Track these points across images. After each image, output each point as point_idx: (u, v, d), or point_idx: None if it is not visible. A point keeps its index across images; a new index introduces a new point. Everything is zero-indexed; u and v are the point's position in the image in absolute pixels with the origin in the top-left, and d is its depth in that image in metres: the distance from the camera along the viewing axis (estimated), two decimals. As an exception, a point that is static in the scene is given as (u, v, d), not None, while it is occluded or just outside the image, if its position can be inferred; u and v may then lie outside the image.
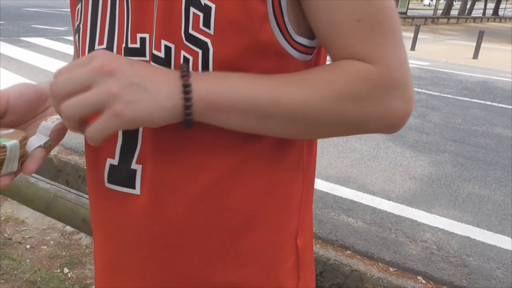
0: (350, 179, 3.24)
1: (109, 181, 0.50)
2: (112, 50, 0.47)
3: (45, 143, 0.45)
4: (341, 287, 2.10)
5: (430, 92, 6.61)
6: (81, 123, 0.40)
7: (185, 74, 0.41)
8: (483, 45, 11.70)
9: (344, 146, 3.91)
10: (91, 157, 0.53)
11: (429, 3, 61.15)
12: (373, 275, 2.10)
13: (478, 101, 6.35)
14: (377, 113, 0.43)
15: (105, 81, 0.38)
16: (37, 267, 2.10)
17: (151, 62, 0.45)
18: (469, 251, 2.42)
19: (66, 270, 2.11)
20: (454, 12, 33.94)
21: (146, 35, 0.45)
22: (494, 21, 33.95)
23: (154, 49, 0.45)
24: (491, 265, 2.30)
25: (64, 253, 2.24)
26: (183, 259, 0.50)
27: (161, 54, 0.45)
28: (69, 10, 0.55)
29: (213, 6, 0.42)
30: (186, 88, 0.40)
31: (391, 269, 2.20)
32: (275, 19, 0.43)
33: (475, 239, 2.54)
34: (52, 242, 2.33)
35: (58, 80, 0.40)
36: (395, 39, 0.44)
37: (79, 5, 0.51)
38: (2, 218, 2.49)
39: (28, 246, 2.27)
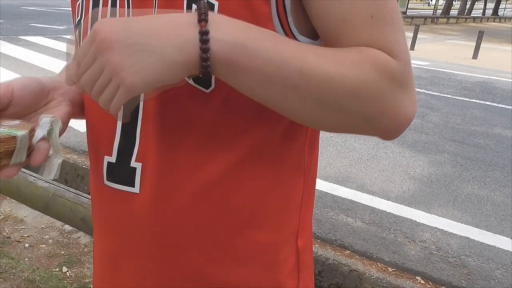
0: (349, 179, 3.24)
1: (108, 179, 0.50)
2: None
3: (48, 132, 0.45)
4: (340, 287, 2.10)
5: (430, 92, 6.61)
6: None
7: (202, 18, 0.37)
8: (482, 45, 11.71)
9: (343, 146, 3.91)
10: (92, 154, 0.53)
11: (429, 3, 61.21)
12: (371, 275, 2.10)
13: (477, 101, 6.35)
14: (393, 107, 0.42)
15: (102, 52, 0.37)
16: (35, 266, 2.09)
17: None
18: (468, 252, 2.42)
19: (64, 269, 2.11)
20: (453, 12, 33.95)
21: None
22: (493, 21, 33.97)
23: None
24: (490, 266, 2.30)
25: (62, 252, 2.24)
26: (183, 258, 0.50)
27: None
28: (68, 9, 0.55)
29: (216, 3, 0.42)
30: (203, 37, 0.37)
31: (390, 269, 2.20)
32: (279, 19, 0.43)
33: (474, 240, 2.54)
34: (50, 241, 2.33)
35: (68, 66, 0.41)
36: (404, 38, 0.44)
37: (80, 0, 0.51)
38: (1, 217, 2.48)
39: (26, 245, 2.27)
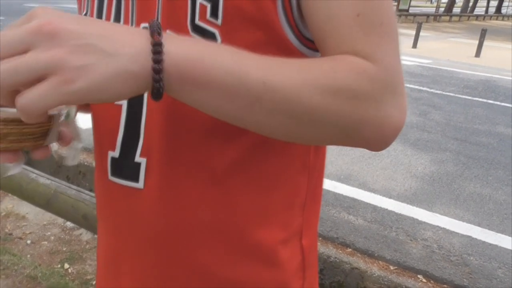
0: (351, 177, 3.23)
1: (112, 174, 0.50)
2: None
3: (66, 116, 0.44)
4: (341, 285, 2.10)
5: (432, 90, 6.59)
6: (11, 95, 0.32)
7: (155, 31, 0.34)
8: (485, 43, 11.67)
9: (345, 144, 3.91)
10: (96, 149, 0.53)
11: (431, 1, 61.04)
12: (373, 273, 2.09)
13: (480, 99, 6.33)
14: (373, 117, 0.39)
15: (46, 44, 0.31)
16: (37, 263, 2.10)
17: None
18: (470, 250, 2.41)
19: (66, 265, 2.11)
20: (456, 10, 33.84)
21: None
22: (496, 19, 33.84)
23: None
24: (492, 265, 2.30)
25: (64, 249, 2.24)
26: (187, 255, 0.49)
27: None
28: (69, 6, 0.54)
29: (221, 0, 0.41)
30: (156, 47, 0.33)
31: (392, 268, 2.20)
32: (284, 13, 0.42)
33: (476, 238, 2.54)
34: (52, 237, 2.33)
35: None
36: (395, 44, 0.42)
37: None
38: (2, 214, 2.49)
39: (28, 242, 2.28)
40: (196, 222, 0.48)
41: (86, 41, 0.31)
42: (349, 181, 3.16)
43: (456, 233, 2.59)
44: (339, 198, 2.88)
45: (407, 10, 23.25)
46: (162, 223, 0.49)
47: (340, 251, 2.27)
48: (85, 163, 2.96)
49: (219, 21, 0.42)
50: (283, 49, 0.43)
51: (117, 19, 0.47)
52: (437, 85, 7.03)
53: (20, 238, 2.30)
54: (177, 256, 0.50)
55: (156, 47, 0.33)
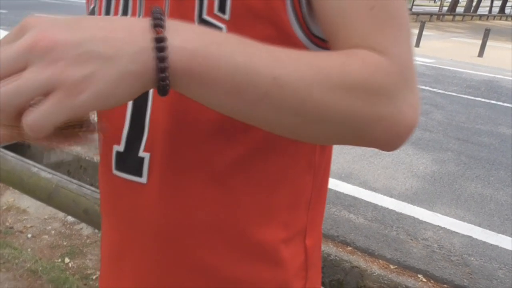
0: (352, 175, 3.23)
1: (116, 168, 0.50)
2: None
3: None
4: (341, 283, 2.10)
5: (434, 89, 6.58)
6: (17, 115, 0.31)
7: (158, 23, 0.32)
8: (488, 43, 11.63)
9: (347, 142, 3.90)
10: (101, 143, 0.53)
11: (435, 0, 60.82)
12: (373, 272, 2.09)
13: (482, 99, 6.31)
14: (387, 114, 0.38)
15: (44, 60, 0.29)
16: (38, 257, 2.10)
17: None
18: (470, 251, 2.41)
19: (67, 260, 2.12)
20: (460, 9, 33.72)
21: None
22: (500, 19, 33.71)
23: None
24: (492, 265, 2.29)
25: (65, 243, 2.25)
26: (189, 251, 0.49)
27: None
28: (73, 0, 0.53)
29: None
30: (159, 44, 0.31)
31: (392, 267, 2.20)
32: (293, 10, 0.42)
33: (477, 239, 2.54)
34: (53, 231, 2.34)
35: None
36: (408, 38, 0.41)
37: None
38: (3, 207, 2.49)
39: (29, 236, 2.28)
40: (197, 221, 0.48)
41: (83, 49, 0.30)
42: (350, 179, 3.16)
43: (457, 233, 2.59)
44: (340, 197, 2.88)
45: (410, 9, 23.20)
46: (164, 220, 0.48)
47: (340, 250, 2.27)
48: (86, 158, 2.96)
49: (227, 16, 0.41)
50: (291, 46, 0.43)
51: (125, 12, 0.46)
52: (439, 84, 7.01)
53: (21, 232, 2.31)
54: (179, 253, 0.49)
55: (159, 43, 0.31)
